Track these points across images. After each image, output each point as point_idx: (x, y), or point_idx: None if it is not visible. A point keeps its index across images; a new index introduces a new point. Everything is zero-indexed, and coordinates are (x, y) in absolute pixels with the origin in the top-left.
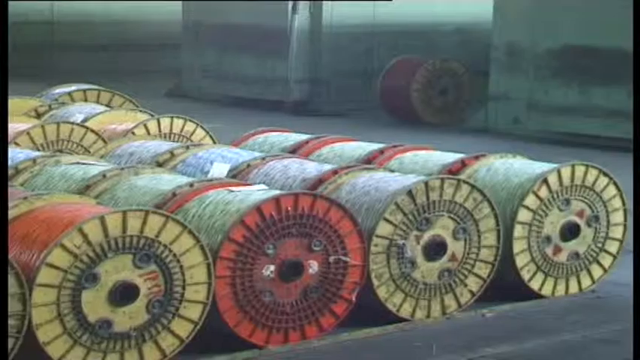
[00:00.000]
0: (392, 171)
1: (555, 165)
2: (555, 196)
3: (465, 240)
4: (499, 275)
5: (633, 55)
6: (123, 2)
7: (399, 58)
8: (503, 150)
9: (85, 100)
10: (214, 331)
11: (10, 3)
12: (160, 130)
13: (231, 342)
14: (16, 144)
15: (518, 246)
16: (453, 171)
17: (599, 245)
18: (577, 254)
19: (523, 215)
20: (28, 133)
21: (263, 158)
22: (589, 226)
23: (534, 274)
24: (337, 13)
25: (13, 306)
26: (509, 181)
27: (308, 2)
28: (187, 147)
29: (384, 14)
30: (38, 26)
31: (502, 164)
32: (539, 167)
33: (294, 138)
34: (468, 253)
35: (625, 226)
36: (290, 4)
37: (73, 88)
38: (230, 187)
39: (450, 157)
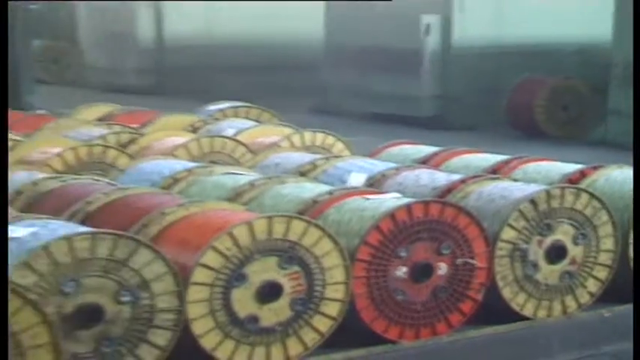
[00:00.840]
0: (516, 180)
1: None
2: None
3: (585, 245)
4: (616, 278)
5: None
6: (270, 27)
7: (525, 77)
8: (621, 161)
9: (236, 116)
10: (351, 327)
11: (169, 28)
12: (303, 143)
13: (367, 337)
14: (175, 156)
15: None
16: (573, 180)
17: None
18: None
19: None
20: (185, 146)
21: (397, 168)
22: None
23: None
24: (466, 34)
25: (172, 302)
26: (626, 190)
27: (439, 25)
28: (328, 158)
29: (511, 36)
30: (197, 49)
31: (619, 174)
32: None
33: (425, 150)
34: (587, 257)
35: None
36: (422, 26)
37: (226, 105)
38: (366, 195)
39: (570, 168)
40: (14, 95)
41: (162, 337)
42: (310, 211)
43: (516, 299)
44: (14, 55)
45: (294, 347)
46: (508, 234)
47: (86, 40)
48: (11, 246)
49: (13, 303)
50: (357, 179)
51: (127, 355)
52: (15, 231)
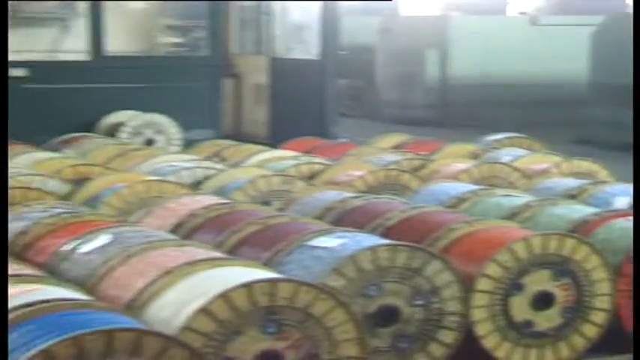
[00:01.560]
0: None
1: None
2: None
3: None
4: None
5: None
6: (539, 67)
7: None
8: None
9: (511, 146)
10: (615, 334)
11: (453, 68)
12: (571, 170)
13: (629, 344)
14: (459, 179)
15: None
16: None
17: None
18: None
19: None
20: (467, 171)
21: None
22: None
23: None
24: None
25: (457, 307)
26: None
27: None
28: (594, 183)
29: None
30: (476, 87)
31: None
32: None
33: None
34: None
35: None
36: None
37: (502, 136)
38: (630, 217)
39: None
40: (322, 126)
41: (449, 337)
42: (580, 229)
43: None
44: (325, 92)
45: (564, 350)
46: None
47: (381, 79)
48: (323, 254)
49: (328, 303)
50: (621, 202)
51: (419, 352)
52: (326, 241)
